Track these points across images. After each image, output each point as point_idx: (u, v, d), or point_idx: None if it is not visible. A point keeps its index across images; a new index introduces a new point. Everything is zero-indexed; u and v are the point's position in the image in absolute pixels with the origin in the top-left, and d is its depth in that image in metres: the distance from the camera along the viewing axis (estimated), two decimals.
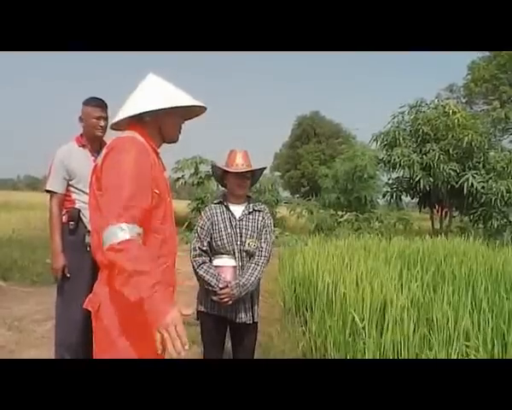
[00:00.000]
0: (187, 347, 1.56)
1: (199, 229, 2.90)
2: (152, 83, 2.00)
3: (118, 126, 2.06)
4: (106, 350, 1.87)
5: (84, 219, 3.21)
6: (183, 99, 1.99)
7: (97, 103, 3.33)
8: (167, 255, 1.99)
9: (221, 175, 3.02)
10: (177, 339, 1.55)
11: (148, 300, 1.59)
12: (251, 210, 2.93)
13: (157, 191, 1.88)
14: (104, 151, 1.89)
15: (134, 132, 1.93)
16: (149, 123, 1.96)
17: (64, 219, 3.31)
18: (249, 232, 2.88)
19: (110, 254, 1.66)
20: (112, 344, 1.84)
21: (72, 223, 3.26)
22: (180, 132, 2.09)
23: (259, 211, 2.96)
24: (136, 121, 1.95)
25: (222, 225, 2.87)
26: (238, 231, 2.87)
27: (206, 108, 2.13)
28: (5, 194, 31.04)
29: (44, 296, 6.14)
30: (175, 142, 2.09)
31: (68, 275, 3.25)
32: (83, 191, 3.21)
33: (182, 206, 17.45)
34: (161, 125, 1.99)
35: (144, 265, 1.63)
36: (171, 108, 1.93)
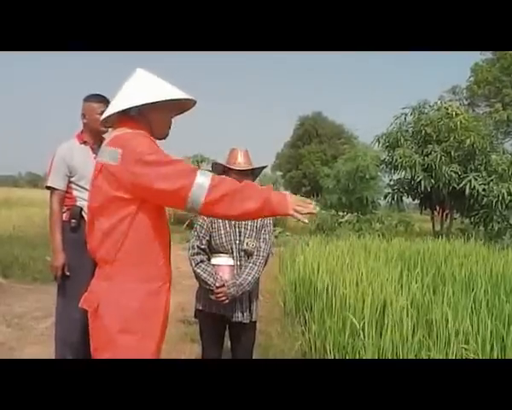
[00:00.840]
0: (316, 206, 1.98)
1: (198, 227, 2.90)
2: (139, 77, 1.97)
3: (107, 123, 2.06)
4: (106, 348, 1.87)
5: (85, 217, 3.20)
6: (170, 93, 1.94)
7: (101, 99, 3.32)
8: (165, 250, 2.00)
9: (222, 173, 3.01)
10: (306, 204, 1.93)
11: (270, 198, 1.86)
12: None
13: None
14: (118, 151, 1.82)
15: (126, 129, 1.91)
16: (140, 119, 1.93)
17: (65, 216, 3.30)
18: (248, 232, 2.88)
19: (217, 192, 1.80)
20: (112, 342, 1.84)
21: (73, 221, 3.25)
22: (170, 128, 2.05)
23: None
24: (127, 117, 1.93)
25: (221, 224, 2.87)
26: (237, 230, 2.87)
27: (195, 102, 2.08)
28: (6, 190, 31.00)
29: (44, 294, 6.16)
30: (164, 138, 2.05)
31: (68, 273, 3.24)
32: (84, 188, 3.21)
33: None
34: (150, 120, 1.96)
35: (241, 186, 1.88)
36: (157, 102, 1.89)
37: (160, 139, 2.03)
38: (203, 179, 1.79)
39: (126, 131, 1.89)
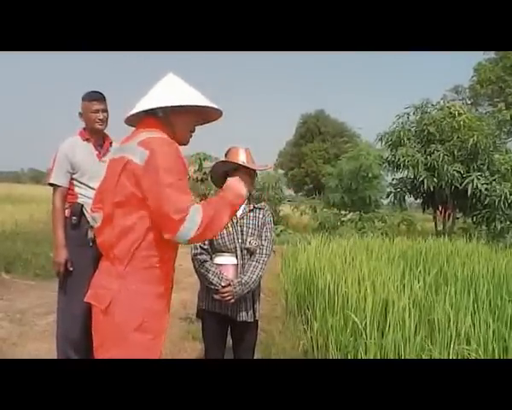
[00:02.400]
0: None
1: None
2: (169, 81, 2.00)
3: (130, 121, 2.07)
4: (115, 346, 1.88)
5: (86, 213, 3.20)
6: (197, 100, 1.97)
7: (94, 97, 3.30)
8: (174, 253, 2.04)
9: (227, 171, 2.85)
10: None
11: (230, 200, 1.99)
12: (252, 208, 2.91)
13: None
14: (146, 152, 1.82)
15: (158, 131, 1.92)
16: (164, 121, 1.96)
17: (66, 213, 3.30)
18: (250, 230, 2.87)
19: (201, 225, 1.82)
20: (123, 340, 1.86)
21: (74, 218, 3.25)
22: (191, 136, 2.08)
23: (260, 209, 2.94)
24: (152, 118, 1.95)
25: None
26: (239, 229, 2.86)
27: (221, 113, 2.11)
28: (8, 187, 31.09)
29: (45, 290, 6.18)
30: (185, 144, 2.07)
31: (71, 269, 3.25)
32: (86, 185, 3.22)
33: None
34: (174, 124, 1.98)
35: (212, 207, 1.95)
36: (182, 106, 1.92)
37: (181, 145, 2.04)
38: (195, 216, 1.81)
39: (154, 134, 1.89)
